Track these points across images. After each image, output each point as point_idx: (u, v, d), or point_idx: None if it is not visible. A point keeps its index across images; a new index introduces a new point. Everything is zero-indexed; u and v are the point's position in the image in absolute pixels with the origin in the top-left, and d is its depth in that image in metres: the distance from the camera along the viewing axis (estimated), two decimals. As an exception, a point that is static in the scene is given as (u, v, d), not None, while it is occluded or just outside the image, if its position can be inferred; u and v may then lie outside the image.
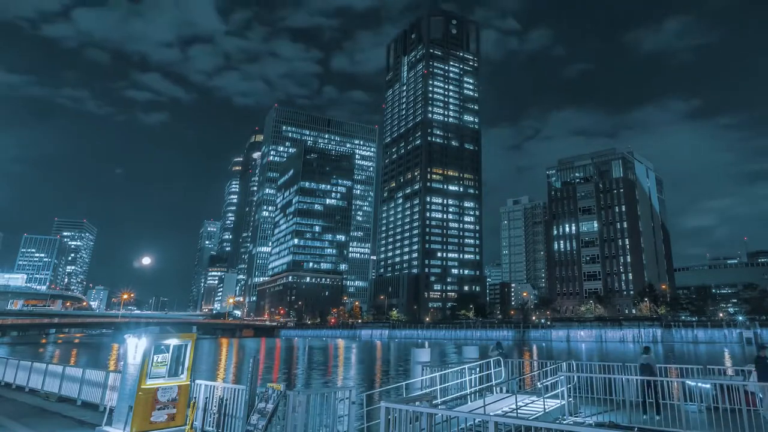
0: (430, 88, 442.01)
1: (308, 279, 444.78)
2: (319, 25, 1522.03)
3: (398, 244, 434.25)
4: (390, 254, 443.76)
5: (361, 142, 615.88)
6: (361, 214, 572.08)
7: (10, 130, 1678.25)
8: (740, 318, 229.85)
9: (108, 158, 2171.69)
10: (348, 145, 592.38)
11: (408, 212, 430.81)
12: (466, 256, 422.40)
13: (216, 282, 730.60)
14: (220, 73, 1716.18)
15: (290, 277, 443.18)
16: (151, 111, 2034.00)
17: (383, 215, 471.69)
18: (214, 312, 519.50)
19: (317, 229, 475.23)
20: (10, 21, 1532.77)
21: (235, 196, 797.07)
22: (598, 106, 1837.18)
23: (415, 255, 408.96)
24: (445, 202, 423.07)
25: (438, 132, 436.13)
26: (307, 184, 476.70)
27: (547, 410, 24.85)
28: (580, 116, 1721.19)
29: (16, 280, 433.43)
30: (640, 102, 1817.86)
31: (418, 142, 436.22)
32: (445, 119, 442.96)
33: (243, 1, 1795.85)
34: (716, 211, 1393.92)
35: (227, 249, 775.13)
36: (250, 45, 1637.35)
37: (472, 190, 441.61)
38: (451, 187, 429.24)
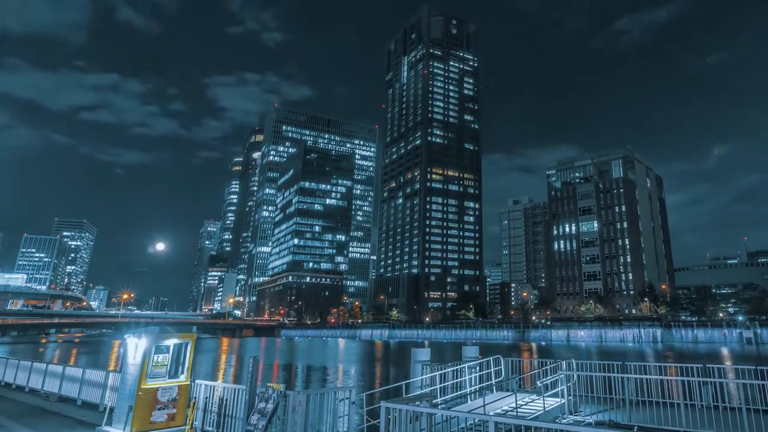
0: (430, 88, 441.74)
1: (308, 279, 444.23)
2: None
3: (398, 244, 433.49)
4: (390, 254, 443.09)
5: (361, 142, 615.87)
6: (361, 214, 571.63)
7: (11, 130, 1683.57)
8: (740, 318, 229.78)
9: (108, 158, 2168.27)
10: (348, 145, 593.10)
11: (408, 212, 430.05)
12: (466, 256, 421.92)
13: (216, 282, 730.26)
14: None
15: (290, 277, 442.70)
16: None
17: (383, 215, 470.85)
18: (214, 312, 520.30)
19: (317, 229, 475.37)
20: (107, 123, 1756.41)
21: (236, 196, 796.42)
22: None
23: (415, 255, 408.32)
24: (445, 201, 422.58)
25: (438, 132, 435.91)
26: (307, 184, 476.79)
27: (547, 409, 24.87)
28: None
29: (16, 280, 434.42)
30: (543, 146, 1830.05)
31: (418, 141, 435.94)
32: (445, 119, 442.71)
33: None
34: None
35: (227, 249, 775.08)
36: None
37: (472, 190, 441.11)
38: (451, 187, 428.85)
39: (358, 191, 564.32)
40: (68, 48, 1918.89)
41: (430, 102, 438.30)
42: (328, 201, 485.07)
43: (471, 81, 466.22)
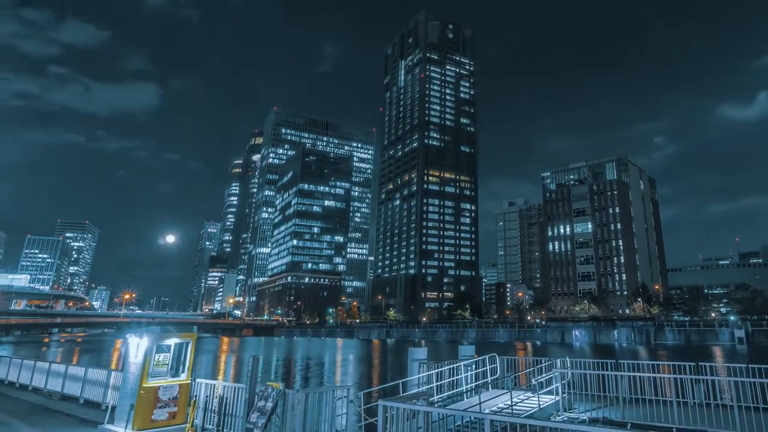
0: (427, 92, 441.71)
1: (307, 279, 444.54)
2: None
3: (395, 245, 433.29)
4: (387, 255, 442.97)
5: (359, 145, 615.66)
6: (359, 215, 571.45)
7: (16, 133, 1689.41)
8: (732, 318, 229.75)
9: (110, 161, 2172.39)
10: (346, 148, 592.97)
11: (405, 214, 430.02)
12: (463, 257, 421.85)
13: (216, 282, 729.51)
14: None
15: (289, 278, 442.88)
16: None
17: (381, 216, 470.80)
18: (215, 312, 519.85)
19: (316, 230, 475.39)
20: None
21: (235, 198, 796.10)
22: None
23: (412, 256, 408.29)
24: (441, 203, 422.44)
25: (435, 135, 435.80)
26: (306, 186, 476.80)
27: (541, 406, 24.94)
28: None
29: (20, 280, 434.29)
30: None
31: (415, 144, 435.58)
32: (442, 122, 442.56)
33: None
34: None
35: (227, 250, 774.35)
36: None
37: (468, 192, 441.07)
38: (447, 189, 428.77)
39: (356, 193, 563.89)
40: (140, 122, 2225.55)
41: (426, 105, 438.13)
42: (326, 203, 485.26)
43: (467, 84, 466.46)
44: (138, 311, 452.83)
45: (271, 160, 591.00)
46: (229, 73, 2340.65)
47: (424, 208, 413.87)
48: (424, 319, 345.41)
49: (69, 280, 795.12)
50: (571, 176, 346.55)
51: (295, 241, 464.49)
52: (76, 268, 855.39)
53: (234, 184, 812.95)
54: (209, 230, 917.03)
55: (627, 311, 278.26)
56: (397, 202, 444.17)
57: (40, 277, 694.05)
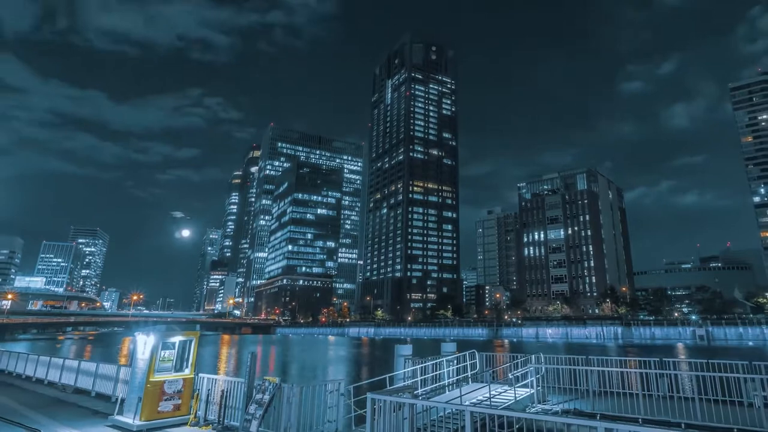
0: (412, 108, 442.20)
1: (301, 282, 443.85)
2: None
3: (383, 250, 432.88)
4: (375, 259, 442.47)
5: (349, 158, 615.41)
6: (349, 222, 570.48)
7: (30, 148, 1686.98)
8: (693, 317, 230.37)
9: (118, 171, 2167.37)
10: (337, 160, 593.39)
11: (392, 221, 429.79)
12: (445, 261, 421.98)
13: (217, 284, 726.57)
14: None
15: (285, 280, 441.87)
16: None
17: (369, 224, 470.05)
18: (216, 312, 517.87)
19: (309, 236, 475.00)
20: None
21: (235, 207, 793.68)
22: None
23: (398, 260, 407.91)
24: (425, 212, 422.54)
25: (419, 148, 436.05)
26: (300, 195, 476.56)
27: (517, 399, 25.01)
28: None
29: (36, 282, 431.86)
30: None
31: (401, 157, 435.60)
32: (426, 137, 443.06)
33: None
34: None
35: (227, 254, 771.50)
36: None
37: (450, 201, 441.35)
38: (431, 199, 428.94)
39: (347, 202, 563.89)
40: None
41: (411, 121, 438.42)
42: (319, 211, 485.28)
43: (449, 102, 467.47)
44: (145, 311, 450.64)
45: (268, 171, 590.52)
46: (231, 92, 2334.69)
47: (410, 216, 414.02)
48: (410, 318, 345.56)
49: (81, 283, 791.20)
50: (545, 186, 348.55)
51: (290, 247, 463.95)
52: (88, 271, 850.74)
53: (234, 194, 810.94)
54: (211, 236, 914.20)
55: (596, 311, 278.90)
56: (385, 211, 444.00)
57: (55, 279, 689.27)
